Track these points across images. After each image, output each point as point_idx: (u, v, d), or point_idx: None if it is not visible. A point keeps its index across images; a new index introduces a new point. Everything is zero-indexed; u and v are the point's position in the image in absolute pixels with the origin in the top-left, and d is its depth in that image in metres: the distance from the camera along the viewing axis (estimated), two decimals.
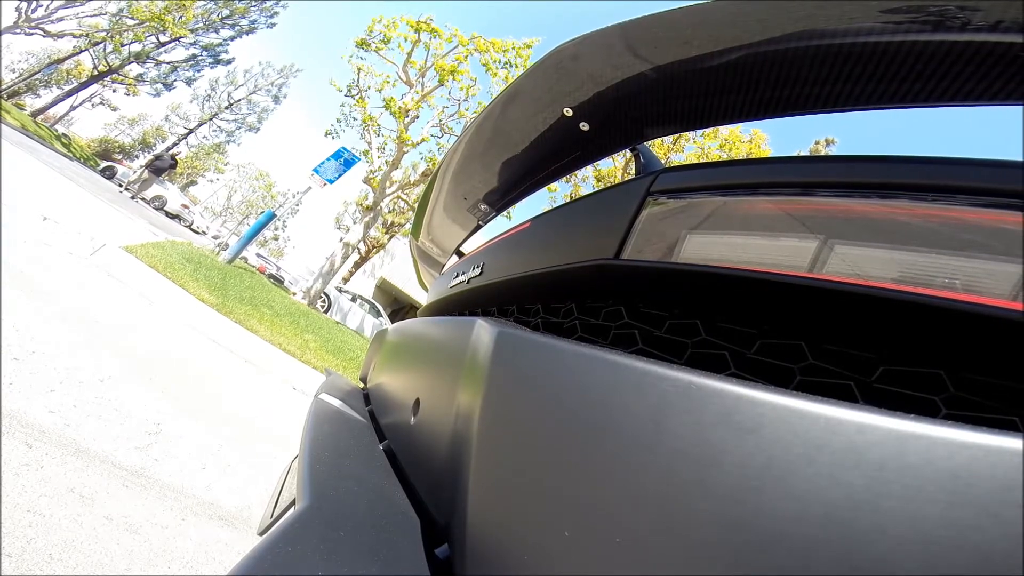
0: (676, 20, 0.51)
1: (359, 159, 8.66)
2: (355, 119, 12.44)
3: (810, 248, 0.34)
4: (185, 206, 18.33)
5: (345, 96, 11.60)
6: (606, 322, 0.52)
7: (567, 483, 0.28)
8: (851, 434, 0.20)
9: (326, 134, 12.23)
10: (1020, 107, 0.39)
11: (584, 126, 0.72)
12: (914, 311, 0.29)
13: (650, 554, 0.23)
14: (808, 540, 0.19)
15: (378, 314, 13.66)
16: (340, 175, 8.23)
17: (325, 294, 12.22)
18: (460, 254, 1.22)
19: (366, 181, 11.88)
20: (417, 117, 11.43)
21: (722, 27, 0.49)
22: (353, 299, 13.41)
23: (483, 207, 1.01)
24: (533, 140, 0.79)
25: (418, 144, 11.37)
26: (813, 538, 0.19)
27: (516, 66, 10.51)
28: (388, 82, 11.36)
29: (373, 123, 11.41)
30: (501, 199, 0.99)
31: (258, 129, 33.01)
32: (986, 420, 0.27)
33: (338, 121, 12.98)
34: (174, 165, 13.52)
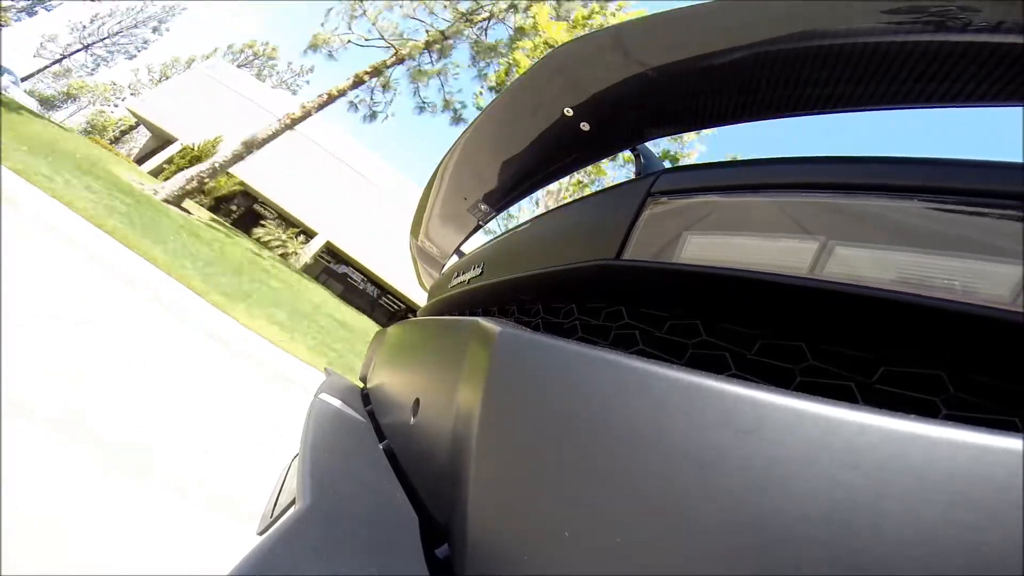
0: (676, 20, 0.51)
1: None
2: None
3: (811, 249, 0.34)
4: None
5: None
6: (607, 322, 0.52)
7: (567, 483, 0.28)
8: (851, 435, 0.20)
9: None
10: (1020, 107, 0.39)
11: (584, 126, 0.72)
12: (914, 312, 0.29)
13: (650, 554, 0.23)
14: (808, 541, 0.19)
15: None
16: None
17: None
18: (460, 254, 1.22)
19: None
20: None
21: (722, 27, 0.49)
22: None
23: (483, 207, 1.01)
24: (533, 140, 0.79)
25: None
26: (813, 539, 0.19)
27: None
28: None
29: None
30: (501, 199, 0.99)
31: (134, 56, 36.46)
32: (986, 420, 0.27)
33: None
34: None
